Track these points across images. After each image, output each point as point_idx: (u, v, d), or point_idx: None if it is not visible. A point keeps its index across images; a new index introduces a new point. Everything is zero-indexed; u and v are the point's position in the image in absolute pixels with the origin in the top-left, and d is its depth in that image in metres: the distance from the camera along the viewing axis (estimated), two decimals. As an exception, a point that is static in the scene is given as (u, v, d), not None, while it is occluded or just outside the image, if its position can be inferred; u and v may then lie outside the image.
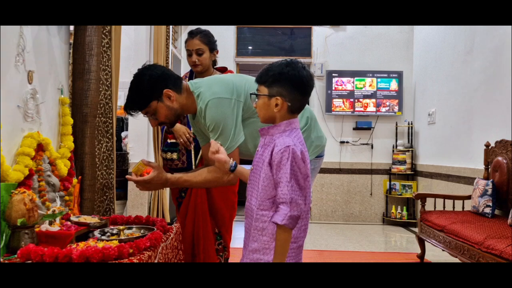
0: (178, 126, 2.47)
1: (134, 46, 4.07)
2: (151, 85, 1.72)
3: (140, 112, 1.77)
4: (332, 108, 5.89)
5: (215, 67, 2.59)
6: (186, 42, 2.50)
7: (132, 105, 1.77)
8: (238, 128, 1.75)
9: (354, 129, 5.97)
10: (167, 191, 4.12)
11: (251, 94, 1.49)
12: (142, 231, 1.78)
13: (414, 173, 5.74)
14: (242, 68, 6.55)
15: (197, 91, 1.77)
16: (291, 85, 1.39)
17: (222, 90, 1.73)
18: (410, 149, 5.77)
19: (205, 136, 1.91)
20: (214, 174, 1.76)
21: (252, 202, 1.43)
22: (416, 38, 5.91)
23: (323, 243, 4.64)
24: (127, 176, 1.78)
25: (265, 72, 1.42)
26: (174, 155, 2.48)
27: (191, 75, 2.61)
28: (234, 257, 2.56)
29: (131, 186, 4.11)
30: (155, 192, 3.88)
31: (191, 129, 2.31)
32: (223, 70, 2.60)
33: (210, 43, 2.48)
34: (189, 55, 2.47)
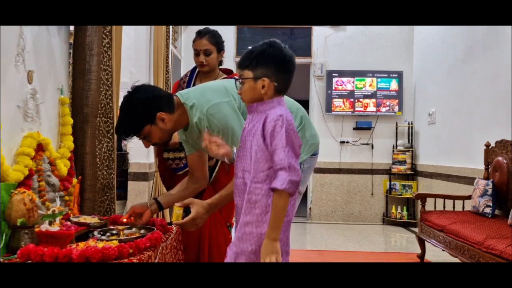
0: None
1: (134, 46, 4.07)
2: (143, 109, 1.66)
3: (133, 136, 1.74)
4: (332, 108, 5.89)
5: (220, 67, 2.58)
6: (194, 41, 2.49)
7: (124, 131, 1.72)
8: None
9: (354, 129, 5.97)
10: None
11: (235, 79, 1.48)
12: (142, 231, 1.78)
13: (414, 173, 5.73)
14: (242, 68, 6.55)
15: (189, 102, 1.73)
16: (275, 65, 1.39)
17: (216, 96, 1.71)
18: (410, 149, 5.77)
19: (192, 146, 1.90)
20: None
21: (245, 176, 1.43)
22: (416, 38, 5.91)
23: (323, 243, 4.64)
24: (174, 222, 1.74)
25: (247, 55, 1.42)
26: (182, 154, 2.45)
27: (193, 74, 2.59)
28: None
29: (131, 186, 4.11)
30: (155, 192, 3.88)
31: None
32: (229, 72, 2.59)
33: (218, 43, 2.47)
34: (197, 54, 2.46)
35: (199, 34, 2.47)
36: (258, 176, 1.38)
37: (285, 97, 1.53)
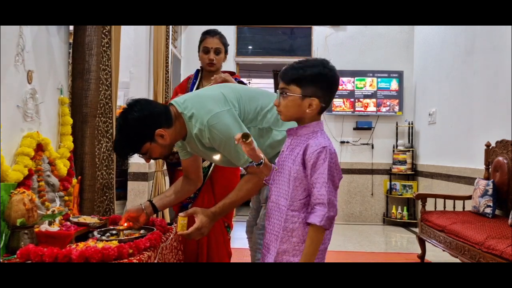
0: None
1: (134, 46, 4.07)
2: (141, 128, 1.60)
3: (133, 155, 1.70)
4: (333, 108, 5.88)
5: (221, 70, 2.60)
6: (203, 40, 2.52)
7: (123, 151, 1.68)
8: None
9: (354, 129, 5.96)
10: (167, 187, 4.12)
11: (278, 90, 1.43)
12: (141, 231, 1.78)
13: (414, 173, 5.73)
14: (242, 68, 6.54)
15: (187, 112, 1.67)
16: (329, 87, 1.37)
17: (215, 105, 1.67)
18: (411, 149, 5.76)
19: (187, 152, 1.88)
20: (253, 180, 1.71)
21: (281, 202, 1.41)
22: (416, 38, 5.91)
23: (323, 243, 4.63)
24: (179, 233, 1.69)
25: (297, 70, 1.37)
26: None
27: (196, 76, 2.59)
28: (235, 258, 2.56)
29: (131, 186, 4.11)
30: (155, 192, 3.88)
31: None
32: (231, 74, 2.60)
33: (226, 45, 2.56)
34: (206, 52, 2.49)
35: (210, 33, 2.52)
36: (295, 204, 1.37)
37: None
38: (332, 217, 1.32)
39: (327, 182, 1.31)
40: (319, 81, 1.36)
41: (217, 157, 1.79)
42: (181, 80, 5.72)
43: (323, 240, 1.36)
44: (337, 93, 5.78)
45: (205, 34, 2.54)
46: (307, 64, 1.38)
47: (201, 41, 2.54)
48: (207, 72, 2.53)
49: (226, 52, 2.56)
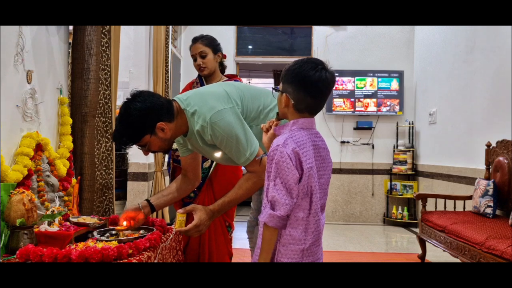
0: None
1: (134, 46, 4.07)
2: (142, 119, 1.59)
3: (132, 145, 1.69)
4: (333, 108, 5.88)
5: (225, 74, 2.59)
6: (190, 49, 2.52)
7: (122, 141, 1.66)
8: (249, 132, 1.68)
9: (354, 129, 5.96)
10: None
11: (272, 88, 1.50)
12: (141, 231, 1.78)
13: (415, 173, 5.72)
14: (242, 68, 6.54)
15: (190, 108, 1.67)
16: (295, 83, 1.37)
17: (218, 102, 1.66)
18: (411, 149, 5.76)
19: (187, 149, 1.88)
20: (253, 179, 1.71)
21: (264, 201, 1.42)
22: (417, 37, 5.90)
23: (323, 244, 4.62)
24: (177, 230, 1.68)
25: (285, 68, 1.42)
26: None
27: (201, 81, 2.58)
28: (237, 258, 2.56)
29: (130, 186, 4.11)
30: (154, 192, 3.88)
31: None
32: (231, 77, 2.60)
33: (212, 45, 2.49)
34: (194, 59, 2.49)
35: (193, 40, 2.51)
36: (264, 201, 1.36)
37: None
38: (276, 216, 1.30)
39: (273, 180, 1.32)
40: (288, 77, 1.38)
41: (218, 154, 1.79)
42: (181, 80, 5.71)
43: (294, 240, 1.34)
44: (337, 93, 5.76)
45: (191, 42, 2.53)
46: (293, 62, 1.41)
47: (190, 51, 2.55)
48: (204, 77, 2.53)
49: (215, 51, 2.49)
